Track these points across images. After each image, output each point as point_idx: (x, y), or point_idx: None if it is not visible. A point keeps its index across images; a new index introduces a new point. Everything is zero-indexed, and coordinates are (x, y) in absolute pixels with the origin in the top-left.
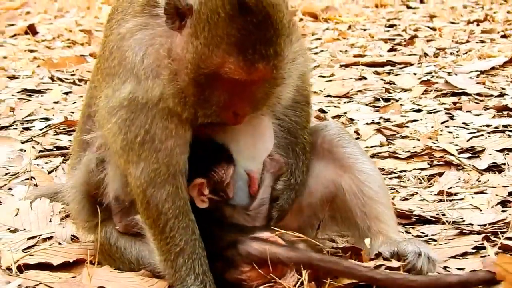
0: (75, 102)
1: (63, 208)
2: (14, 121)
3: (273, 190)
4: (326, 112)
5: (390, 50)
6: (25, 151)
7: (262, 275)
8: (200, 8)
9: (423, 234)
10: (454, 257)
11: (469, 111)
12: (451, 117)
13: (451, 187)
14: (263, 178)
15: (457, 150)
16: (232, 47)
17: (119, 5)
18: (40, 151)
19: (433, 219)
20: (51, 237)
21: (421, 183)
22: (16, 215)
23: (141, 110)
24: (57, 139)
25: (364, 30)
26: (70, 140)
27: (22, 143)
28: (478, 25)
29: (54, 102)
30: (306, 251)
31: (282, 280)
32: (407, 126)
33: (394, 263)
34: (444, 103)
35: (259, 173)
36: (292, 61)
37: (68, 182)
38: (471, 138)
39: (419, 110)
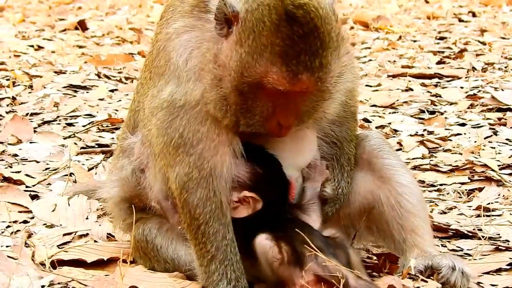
0: (120, 100)
1: (100, 205)
2: (58, 117)
3: (323, 192)
4: (371, 122)
5: (439, 62)
6: (66, 147)
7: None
8: (246, 16)
9: (459, 249)
10: (488, 272)
11: None
12: (495, 133)
13: (490, 203)
14: (307, 185)
15: (498, 166)
16: (276, 57)
17: (172, 3)
18: (82, 148)
19: (470, 234)
20: (87, 234)
21: (461, 197)
22: (53, 211)
23: (178, 113)
24: (99, 136)
25: (414, 41)
26: (112, 138)
27: (64, 138)
28: None
29: (99, 99)
30: (376, 285)
31: None
32: (450, 140)
33: (431, 285)
34: (489, 118)
35: (297, 181)
36: (339, 75)
37: (107, 180)
38: None
39: (463, 124)
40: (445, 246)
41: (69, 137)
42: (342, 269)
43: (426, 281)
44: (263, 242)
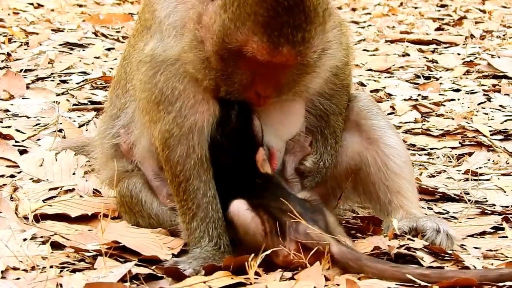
0: (115, 59)
1: (87, 161)
2: (52, 73)
3: (300, 165)
4: (365, 86)
5: (438, 29)
6: (59, 103)
7: (300, 256)
8: None
9: (445, 212)
10: (472, 235)
11: (507, 94)
12: (489, 99)
13: (479, 167)
14: (287, 159)
15: (490, 131)
16: (258, 27)
17: None
18: (74, 105)
19: (457, 198)
20: (73, 189)
21: (450, 161)
22: (40, 166)
23: (159, 68)
24: (92, 94)
25: (415, 8)
26: (105, 96)
27: (57, 95)
28: None
29: (95, 57)
30: (357, 251)
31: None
32: (444, 105)
33: (417, 243)
34: (484, 85)
35: (280, 152)
36: (323, 50)
37: (96, 136)
38: (505, 121)
39: (457, 90)
40: (432, 209)
41: (62, 93)
42: (324, 236)
43: (413, 240)
44: (243, 212)
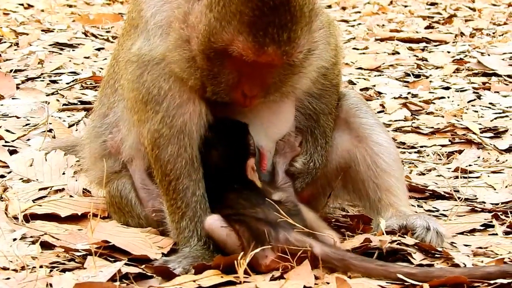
0: (105, 59)
1: (77, 161)
2: (42, 74)
3: (291, 167)
4: (355, 84)
5: (427, 27)
6: (49, 103)
7: (281, 262)
8: None
9: (435, 209)
10: (462, 233)
11: (497, 92)
12: (479, 97)
13: (469, 165)
14: (277, 160)
15: (480, 129)
16: (244, 26)
17: None
18: (64, 105)
19: (447, 195)
20: (63, 189)
21: (440, 159)
22: (30, 166)
23: (145, 68)
24: (82, 94)
25: (405, 6)
26: (95, 96)
27: (47, 95)
28: None
29: (85, 57)
30: (342, 249)
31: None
32: (434, 103)
33: (408, 240)
34: (474, 83)
35: (270, 152)
36: (310, 50)
37: (85, 135)
38: (495, 118)
39: (447, 88)
40: (421, 207)
41: (52, 94)
42: (305, 239)
43: (404, 237)
44: (217, 230)
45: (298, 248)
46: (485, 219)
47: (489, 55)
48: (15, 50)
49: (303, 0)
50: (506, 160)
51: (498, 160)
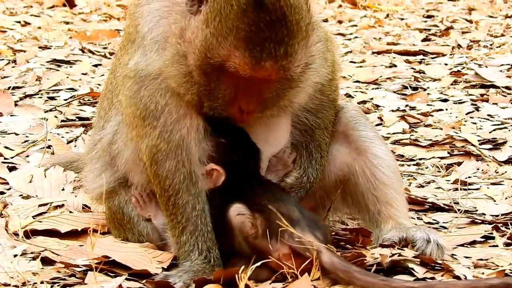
0: (103, 75)
1: (76, 177)
2: (40, 90)
3: (281, 182)
4: (353, 97)
5: (424, 40)
6: (47, 120)
7: (290, 264)
8: None
9: (435, 222)
10: (462, 245)
11: (496, 104)
12: (477, 109)
13: (468, 177)
14: (269, 177)
15: (478, 141)
16: (240, 42)
17: None
18: (62, 121)
19: (446, 207)
20: (63, 205)
21: (439, 171)
22: (29, 182)
23: (143, 83)
24: (80, 110)
25: (402, 19)
26: (93, 112)
27: (46, 112)
28: None
29: (82, 74)
30: (347, 262)
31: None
32: (432, 115)
33: (408, 252)
34: (472, 94)
35: (262, 168)
36: (307, 65)
37: (85, 152)
38: (494, 130)
39: (445, 100)
40: (421, 219)
41: (50, 110)
42: (317, 244)
43: (403, 249)
44: (237, 216)
45: (308, 249)
46: (485, 231)
47: (486, 66)
48: (13, 67)
49: (300, 14)
50: (506, 171)
51: (498, 172)
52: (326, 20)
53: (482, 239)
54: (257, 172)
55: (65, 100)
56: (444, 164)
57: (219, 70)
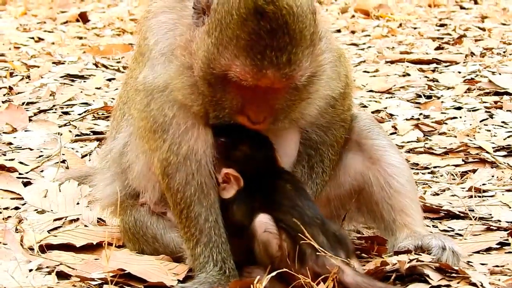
0: (117, 89)
1: (91, 191)
2: (54, 105)
3: None
4: (367, 107)
5: (437, 48)
6: (61, 134)
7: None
8: (217, 7)
9: (450, 229)
10: (478, 252)
11: (509, 111)
12: (491, 116)
13: (483, 184)
14: None
15: (493, 148)
16: (241, 50)
17: None
18: (76, 135)
19: (461, 215)
20: (77, 219)
21: (454, 179)
22: (44, 197)
23: (151, 96)
24: (94, 124)
25: (415, 28)
26: (107, 126)
27: (60, 127)
28: None
29: (96, 88)
30: (372, 280)
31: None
32: (446, 123)
33: (425, 257)
34: (485, 102)
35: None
36: (315, 74)
37: (99, 165)
38: (508, 137)
39: (459, 108)
40: (437, 227)
41: (64, 125)
42: (341, 266)
43: (420, 254)
44: (264, 232)
45: (332, 272)
46: (500, 237)
47: (500, 74)
48: (27, 83)
49: (303, 23)
50: None
51: None
52: (339, 31)
53: (498, 246)
54: (271, 163)
55: (79, 114)
56: (459, 171)
57: (223, 80)
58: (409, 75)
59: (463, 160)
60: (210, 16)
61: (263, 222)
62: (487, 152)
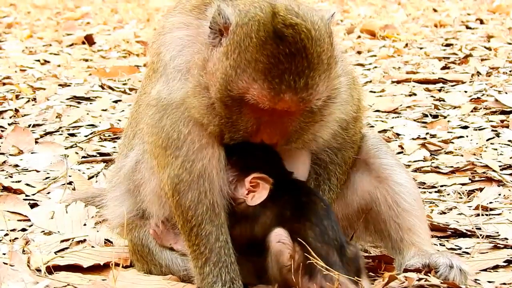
0: (123, 110)
1: (98, 212)
2: (60, 127)
3: None
4: (373, 127)
5: (444, 68)
6: (67, 156)
7: None
8: (235, 29)
9: (457, 247)
10: (485, 270)
11: None
12: (497, 135)
13: (490, 202)
14: None
15: (500, 166)
16: (259, 74)
17: (179, 0)
18: (83, 157)
19: (469, 233)
20: (84, 240)
21: (461, 197)
22: (51, 218)
23: (164, 112)
24: (101, 146)
25: (421, 48)
26: (114, 147)
27: (66, 148)
28: None
29: (102, 110)
30: None
31: None
32: (452, 142)
33: (433, 279)
34: (492, 121)
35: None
36: (330, 98)
37: (109, 184)
38: None
39: (465, 127)
40: (444, 245)
41: (71, 147)
42: (349, 285)
43: (429, 274)
44: (278, 243)
45: None
46: (508, 255)
47: (506, 93)
48: (33, 105)
49: (321, 47)
50: None
51: None
52: (345, 51)
53: (505, 264)
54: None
55: (85, 136)
56: (466, 190)
57: (240, 102)
58: (415, 94)
59: (469, 179)
60: (228, 38)
61: (278, 234)
62: (494, 171)
